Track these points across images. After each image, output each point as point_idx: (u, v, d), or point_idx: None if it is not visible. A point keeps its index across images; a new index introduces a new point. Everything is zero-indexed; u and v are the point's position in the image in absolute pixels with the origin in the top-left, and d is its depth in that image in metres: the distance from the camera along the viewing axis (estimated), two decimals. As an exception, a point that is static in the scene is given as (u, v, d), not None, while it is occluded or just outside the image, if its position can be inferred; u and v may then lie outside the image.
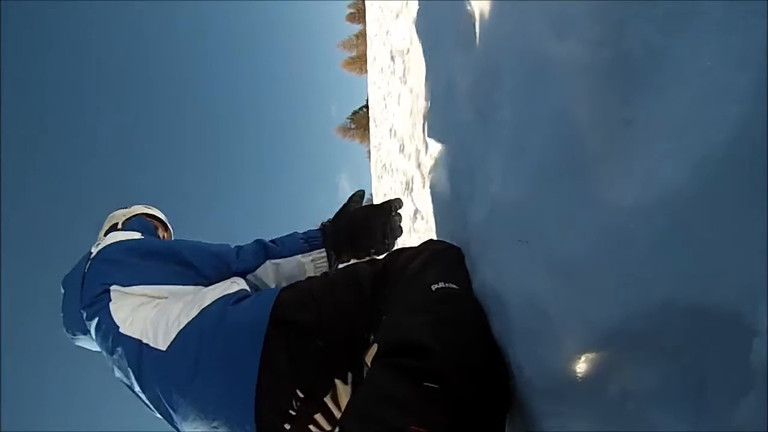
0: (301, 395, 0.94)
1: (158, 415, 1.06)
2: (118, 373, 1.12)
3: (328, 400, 0.96)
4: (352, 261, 1.35)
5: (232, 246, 1.29)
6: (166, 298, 1.13)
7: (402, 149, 3.25)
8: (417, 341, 0.79)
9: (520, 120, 0.76)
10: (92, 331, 1.15)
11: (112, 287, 1.14)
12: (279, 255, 1.28)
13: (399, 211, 1.41)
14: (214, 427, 0.96)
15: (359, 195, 1.44)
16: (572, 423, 0.65)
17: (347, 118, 29.84)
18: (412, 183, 2.65)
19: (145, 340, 1.04)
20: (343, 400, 0.96)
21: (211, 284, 1.16)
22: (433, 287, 0.91)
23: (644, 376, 0.52)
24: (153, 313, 1.06)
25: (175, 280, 1.16)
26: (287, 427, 0.94)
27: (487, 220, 0.91)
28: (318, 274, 1.26)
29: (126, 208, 1.64)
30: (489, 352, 0.84)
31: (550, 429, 0.70)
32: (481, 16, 1.07)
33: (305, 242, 1.32)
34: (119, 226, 1.53)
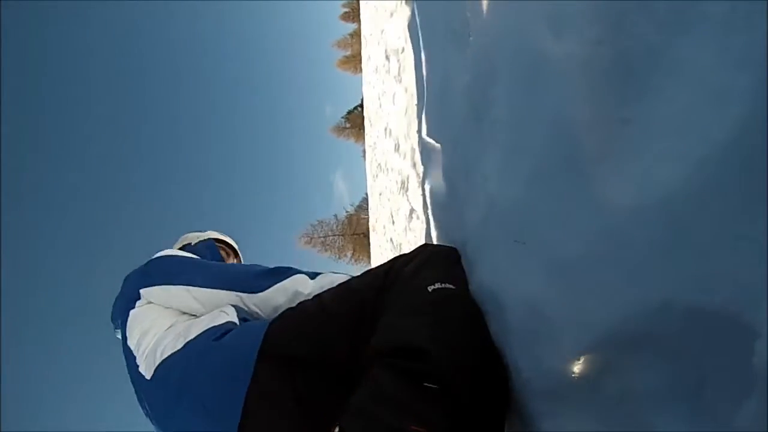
0: None
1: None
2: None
3: None
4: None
5: None
6: (183, 314, 1.14)
7: (397, 148, 3.25)
8: (415, 343, 0.78)
9: (516, 119, 0.75)
10: (122, 330, 1.19)
11: (142, 290, 1.17)
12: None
13: None
14: None
15: None
16: (570, 424, 0.65)
17: (342, 117, 29.81)
18: (408, 182, 2.65)
19: (138, 362, 1.05)
20: None
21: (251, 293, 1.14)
22: (430, 288, 0.90)
23: (642, 377, 0.52)
24: (151, 338, 1.06)
25: (212, 284, 1.15)
26: None
27: (484, 220, 0.91)
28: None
29: (201, 232, 1.65)
30: (487, 353, 0.83)
31: (549, 430, 0.70)
32: (477, 14, 1.06)
33: None
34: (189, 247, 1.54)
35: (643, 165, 0.48)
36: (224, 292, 1.13)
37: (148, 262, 1.27)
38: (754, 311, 0.38)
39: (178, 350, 0.98)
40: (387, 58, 4.02)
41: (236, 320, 1.07)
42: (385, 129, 4.47)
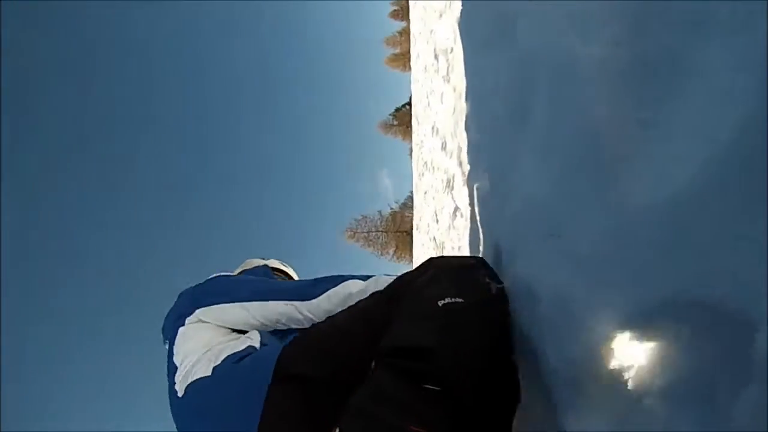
0: None
1: None
2: None
3: None
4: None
5: None
6: (231, 333, 1.19)
7: (444, 147, 3.28)
8: (419, 344, 0.81)
9: (549, 120, 0.79)
10: (170, 344, 1.24)
11: (198, 310, 1.21)
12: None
13: None
14: None
15: None
16: (588, 418, 0.67)
17: (390, 114, 29.89)
18: (453, 181, 2.68)
19: (176, 379, 1.11)
20: None
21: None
22: (440, 303, 0.90)
23: (659, 372, 0.54)
24: (190, 359, 1.11)
25: (266, 297, 1.19)
26: None
27: (520, 216, 0.95)
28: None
29: (264, 259, 1.70)
30: (495, 358, 0.85)
31: (569, 420, 0.73)
32: (519, 18, 1.10)
33: None
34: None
35: (657, 166, 0.51)
36: (280, 302, 1.17)
37: (206, 281, 1.32)
38: (754, 306, 0.41)
39: (207, 375, 1.03)
40: (436, 57, 4.05)
41: (258, 345, 1.10)
42: (433, 128, 4.50)
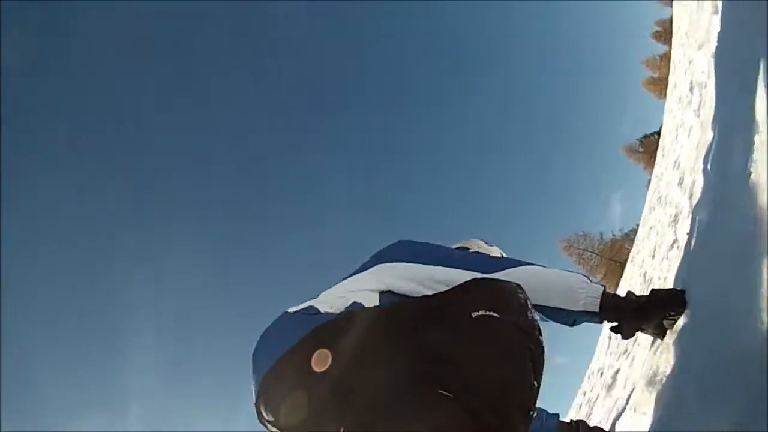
0: None
1: None
2: None
3: None
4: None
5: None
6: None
7: (681, 182, 3.15)
8: (439, 351, 0.85)
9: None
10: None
11: (388, 264, 1.29)
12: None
13: None
14: None
15: None
16: (719, 423, 0.73)
17: (637, 139, 27.45)
18: (680, 215, 2.62)
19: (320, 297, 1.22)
20: None
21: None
22: (473, 314, 0.92)
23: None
24: (328, 294, 1.22)
25: (453, 265, 1.25)
26: None
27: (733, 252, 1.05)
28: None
29: (488, 244, 1.74)
30: (517, 373, 0.86)
31: (701, 424, 0.80)
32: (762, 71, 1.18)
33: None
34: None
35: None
36: (463, 271, 1.20)
37: (414, 243, 1.37)
38: None
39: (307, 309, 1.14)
40: (691, 89, 3.84)
41: (322, 311, 1.13)
42: (675, 161, 4.25)
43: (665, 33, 24.98)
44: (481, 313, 0.91)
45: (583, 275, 1.29)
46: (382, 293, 1.21)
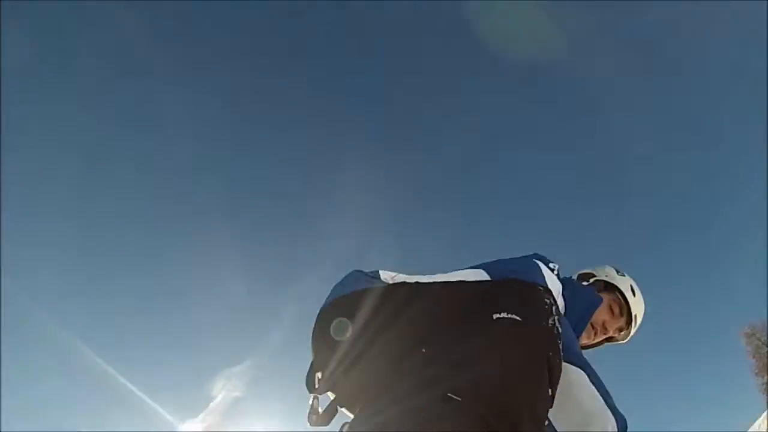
0: None
1: None
2: None
3: None
4: None
5: None
6: None
7: None
8: (454, 356, 0.84)
9: None
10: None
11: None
12: None
13: None
14: None
15: None
16: None
17: None
18: None
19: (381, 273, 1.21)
20: None
21: None
22: (495, 317, 0.91)
23: None
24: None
25: None
26: None
27: None
28: None
29: (622, 275, 1.69)
30: (531, 381, 0.85)
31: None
32: None
33: None
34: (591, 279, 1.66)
35: None
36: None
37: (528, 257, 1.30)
38: None
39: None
40: None
41: (382, 278, 1.16)
42: None
43: None
44: (503, 315, 0.90)
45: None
46: None
